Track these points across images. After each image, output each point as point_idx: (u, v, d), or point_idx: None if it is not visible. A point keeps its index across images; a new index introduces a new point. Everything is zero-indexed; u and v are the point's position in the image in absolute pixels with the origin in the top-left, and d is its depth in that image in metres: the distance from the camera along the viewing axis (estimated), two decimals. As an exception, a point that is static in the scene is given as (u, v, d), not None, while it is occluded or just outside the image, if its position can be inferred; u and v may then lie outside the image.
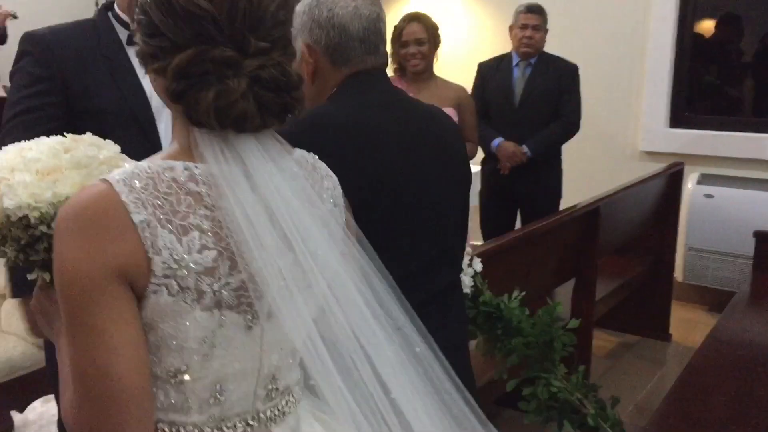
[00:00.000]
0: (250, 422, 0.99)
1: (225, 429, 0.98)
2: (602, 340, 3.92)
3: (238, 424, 0.98)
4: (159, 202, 0.87)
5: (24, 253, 1.04)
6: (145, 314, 0.89)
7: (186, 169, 0.90)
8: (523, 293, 2.27)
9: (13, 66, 1.65)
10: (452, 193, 1.53)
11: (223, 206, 0.89)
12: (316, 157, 1.08)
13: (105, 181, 0.88)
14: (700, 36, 4.75)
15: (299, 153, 1.04)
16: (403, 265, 1.28)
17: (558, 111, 3.79)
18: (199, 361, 0.93)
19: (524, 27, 3.75)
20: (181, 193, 0.89)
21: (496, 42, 4.72)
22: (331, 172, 1.08)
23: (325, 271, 0.94)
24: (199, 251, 0.88)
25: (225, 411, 0.97)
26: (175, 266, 0.87)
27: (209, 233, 0.89)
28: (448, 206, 1.51)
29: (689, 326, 4.14)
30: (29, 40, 1.64)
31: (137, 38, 0.95)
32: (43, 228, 1.01)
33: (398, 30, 3.24)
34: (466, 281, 2.13)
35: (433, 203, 1.44)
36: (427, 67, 3.27)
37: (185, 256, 0.88)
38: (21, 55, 1.65)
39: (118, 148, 1.14)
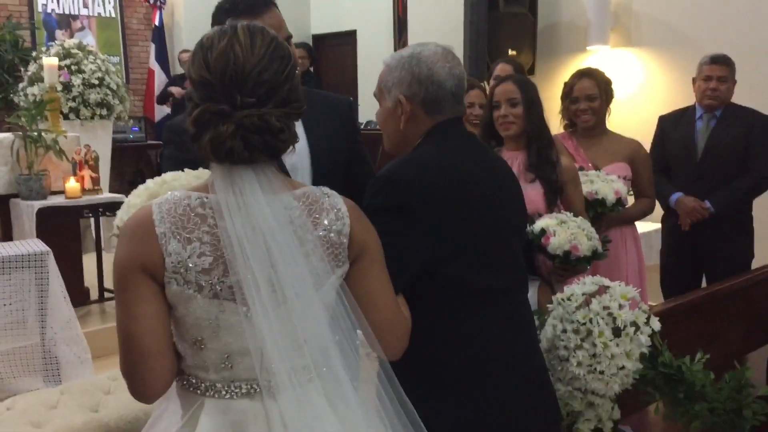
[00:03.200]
0: (255, 387, 1.28)
1: (233, 388, 1.28)
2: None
3: (244, 386, 1.28)
4: (174, 220, 1.22)
5: None
6: (168, 298, 1.23)
7: (198, 198, 1.25)
8: (707, 356, 2.11)
9: None
10: (520, 217, 1.81)
11: (222, 226, 1.21)
12: (331, 194, 1.34)
13: (150, 204, 1.24)
14: None
15: (304, 189, 1.32)
16: (495, 279, 1.61)
17: (747, 165, 3.55)
18: (210, 336, 1.25)
19: (708, 78, 3.59)
20: (191, 214, 1.23)
21: (672, 94, 4.55)
22: (341, 207, 1.33)
23: (296, 284, 1.23)
24: (199, 256, 1.21)
25: (234, 375, 1.27)
26: (179, 266, 1.21)
27: (208, 244, 1.22)
28: (518, 228, 1.78)
29: None
30: None
31: None
32: None
33: (568, 86, 3.16)
34: (642, 340, 2.02)
35: (509, 226, 1.70)
36: (598, 123, 3.16)
37: (187, 259, 1.21)
38: None
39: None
